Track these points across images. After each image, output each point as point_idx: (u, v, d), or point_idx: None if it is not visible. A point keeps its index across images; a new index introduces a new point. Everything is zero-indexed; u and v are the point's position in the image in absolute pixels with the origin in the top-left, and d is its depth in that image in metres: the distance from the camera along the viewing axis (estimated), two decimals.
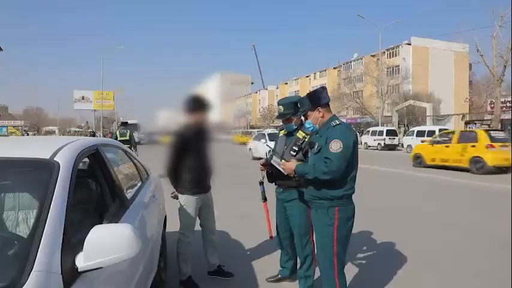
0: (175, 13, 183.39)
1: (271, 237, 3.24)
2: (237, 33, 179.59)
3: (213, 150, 3.30)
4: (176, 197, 3.17)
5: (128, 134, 10.42)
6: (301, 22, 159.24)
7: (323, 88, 2.56)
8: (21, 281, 1.15)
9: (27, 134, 43.47)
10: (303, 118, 2.82)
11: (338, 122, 2.39)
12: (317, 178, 2.26)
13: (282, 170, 2.62)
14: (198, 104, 3.15)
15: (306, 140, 2.83)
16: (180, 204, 3.13)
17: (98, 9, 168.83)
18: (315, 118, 2.47)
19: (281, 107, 2.97)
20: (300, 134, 2.88)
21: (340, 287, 2.39)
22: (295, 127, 2.98)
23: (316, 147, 2.41)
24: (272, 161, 2.72)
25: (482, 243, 4.43)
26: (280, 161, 2.69)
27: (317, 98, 2.47)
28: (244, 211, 5.91)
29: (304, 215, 2.83)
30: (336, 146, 2.22)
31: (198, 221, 3.27)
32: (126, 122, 11.14)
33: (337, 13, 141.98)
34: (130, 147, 9.94)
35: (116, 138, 10.15)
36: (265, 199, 3.22)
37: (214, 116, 3.77)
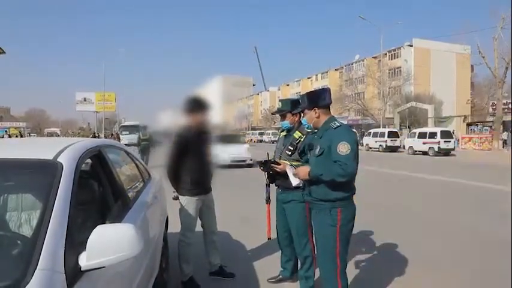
0: (175, 15, 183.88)
1: (268, 238, 3.28)
2: (239, 35, 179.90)
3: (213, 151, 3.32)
4: (177, 198, 3.18)
5: (148, 134, 13.23)
6: (303, 24, 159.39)
7: (324, 90, 2.57)
8: (25, 280, 1.16)
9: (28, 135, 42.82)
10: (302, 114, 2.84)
11: (339, 124, 2.39)
12: (333, 180, 2.25)
13: (292, 179, 2.60)
14: (197, 105, 3.17)
15: (302, 140, 2.89)
16: (181, 205, 3.14)
17: (100, 11, 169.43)
18: (309, 117, 2.49)
19: (280, 103, 3.18)
20: (297, 134, 2.95)
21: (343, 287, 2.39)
22: (290, 125, 3.06)
23: (318, 149, 2.39)
24: (287, 169, 2.71)
25: (482, 244, 4.43)
26: (291, 165, 2.74)
27: (316, 98, 2.48)
28: (245, 212, 5.92)
29: (302, 215, 2.85)
30: (344, 148, 2.23)
31: (199, 222, 3.29)
32: (146, 126, 14.08)
33: (338, 15, 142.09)
34: (149, 145, 13.22)
35: (140, 137, 13.54)
36: (268, 200, 3.24)
37: (215, 117, 3.79)
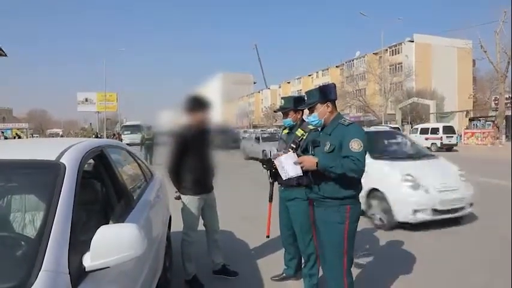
0: (175, 13, 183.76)
1: (267, 236, 3.25)
2: (239, 32, 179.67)
3: (214, 150, 3.31)
4: (179, 198, 3.18)
5: (152, 134, 13.73)
6: (303, 21, 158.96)
7: (333, 84, 2.57)
8: (29, 281, 1.17)
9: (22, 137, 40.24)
10: (307, 111, 2.77)
11: (350, 121, 2.39)
12: (345, 174, 2.22)
13: (291, 169, 2.40)
14: (198, 104, 3.16)
15: (304, 137, 2.85)
16: (183, 204, 3.15)
17: (99, 11, 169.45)
18: (323, 112, 2.43)
19: (282, 100, 3.17)
20: (299, 132, 2.91)
21: (349, 285, 2.38)
22: (292, 123, 3.04)
23: (328, 146, 2.34)
24: (284, 157, 2.46)
25: (484, 240, 4.41)
26: (294, 153, 2.51)
27: (329, 92, 2.45)
28: (247, 211, 5.92)
29: (306, 213, 2.83)
30: (357, 146, 2.23)
31: (201, 221, 3.29)
32: (150, 126, 14.46)
33: (338, 11, 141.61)
34: (152, 144, 13.71)
35: (144, 137, 14.33)
36: (270, 199, 3.22)
37: (216, 116, 3.79)
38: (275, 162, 2.54)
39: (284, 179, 2.49)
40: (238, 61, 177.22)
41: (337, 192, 2.31)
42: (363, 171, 2.25)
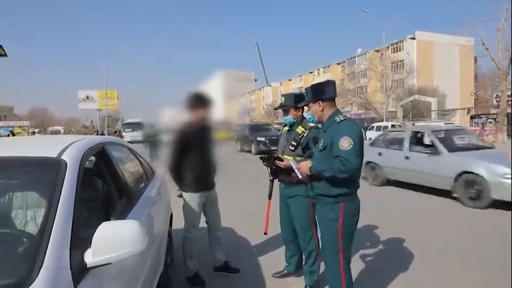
0: (176, 11, 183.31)
1: (265, 233, 3.22)
2: (239, 32, 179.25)
3: (216, 147, 3.31)
4: (181, 196, 3.18)
5: (154, 131, 14.32)
6: (304, 18, 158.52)
7: (329, 82, 2.52)
8: (31, 277, 1.17)
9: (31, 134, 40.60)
10: (306, 108, 2.79)
11: (342, 118, 2.35)
12: (335, 176, 2.22)
13: (297, 173, 2.51)
14: (199, 101, 3.15)
15: (305, 135, 2.87)
16: (184, 201, 3.15)
17: (100, 10, 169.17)
18: (314, 111, 2.46)
19: (282, 98, 3.13)
20: (300, 129, 2.91)
21: (346, 283, 2.38)
22: (293, 120, 3.02)
23: (321, 144, 2.36)
24: (292, 163, 2.59)
25: (487, 241, 4.40)
26: (294, 159, 2.66)
27: (320, 91, 2.43)
28: (248, 208, 5.92)
29: (307, 210, 2.84)
30: (346, 144, 2.19)
31: (203, 218, 3.30)
32: (152, 124, 15.51)
33: (339, 10, 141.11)
34: (155, 141, 13.75)
35: (146, 134, 15.09)
36: (269, 196, 3.22)
37: (217, 113, 3.78)
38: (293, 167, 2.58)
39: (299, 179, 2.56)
40: (238, 60, 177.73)
41: (329, 190, 2.31)
42: (353, 170, 2.21)
